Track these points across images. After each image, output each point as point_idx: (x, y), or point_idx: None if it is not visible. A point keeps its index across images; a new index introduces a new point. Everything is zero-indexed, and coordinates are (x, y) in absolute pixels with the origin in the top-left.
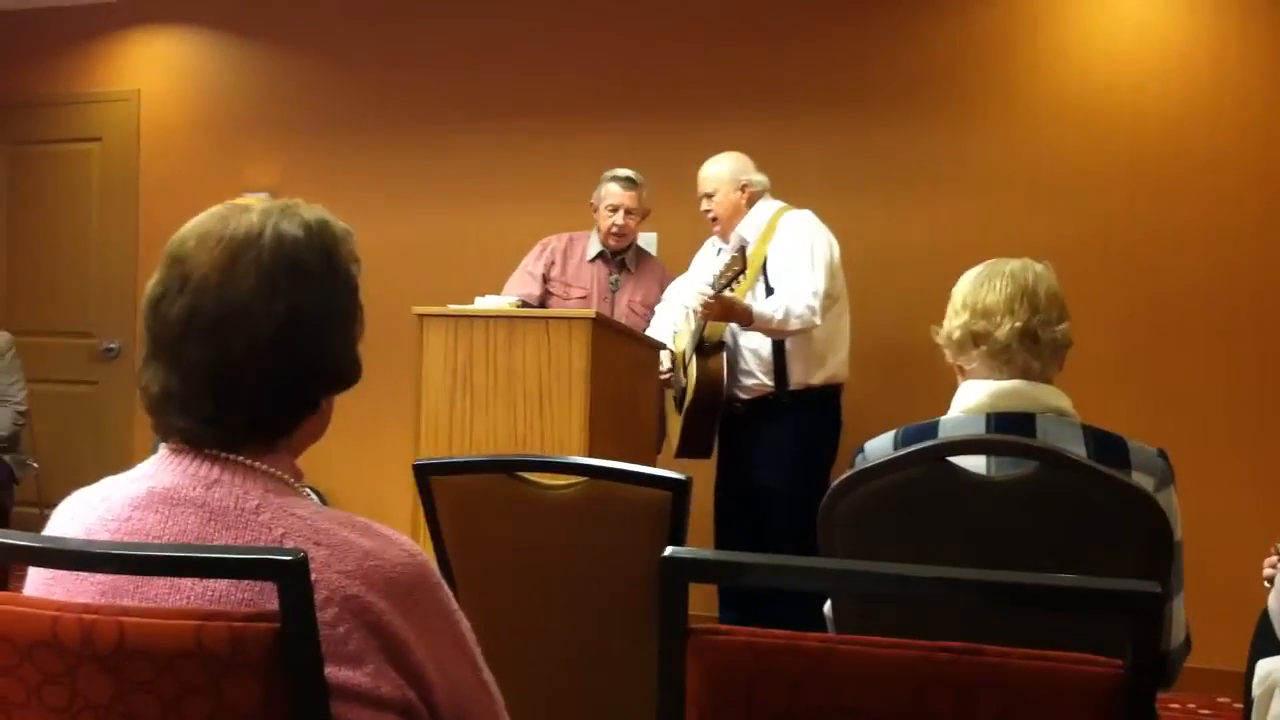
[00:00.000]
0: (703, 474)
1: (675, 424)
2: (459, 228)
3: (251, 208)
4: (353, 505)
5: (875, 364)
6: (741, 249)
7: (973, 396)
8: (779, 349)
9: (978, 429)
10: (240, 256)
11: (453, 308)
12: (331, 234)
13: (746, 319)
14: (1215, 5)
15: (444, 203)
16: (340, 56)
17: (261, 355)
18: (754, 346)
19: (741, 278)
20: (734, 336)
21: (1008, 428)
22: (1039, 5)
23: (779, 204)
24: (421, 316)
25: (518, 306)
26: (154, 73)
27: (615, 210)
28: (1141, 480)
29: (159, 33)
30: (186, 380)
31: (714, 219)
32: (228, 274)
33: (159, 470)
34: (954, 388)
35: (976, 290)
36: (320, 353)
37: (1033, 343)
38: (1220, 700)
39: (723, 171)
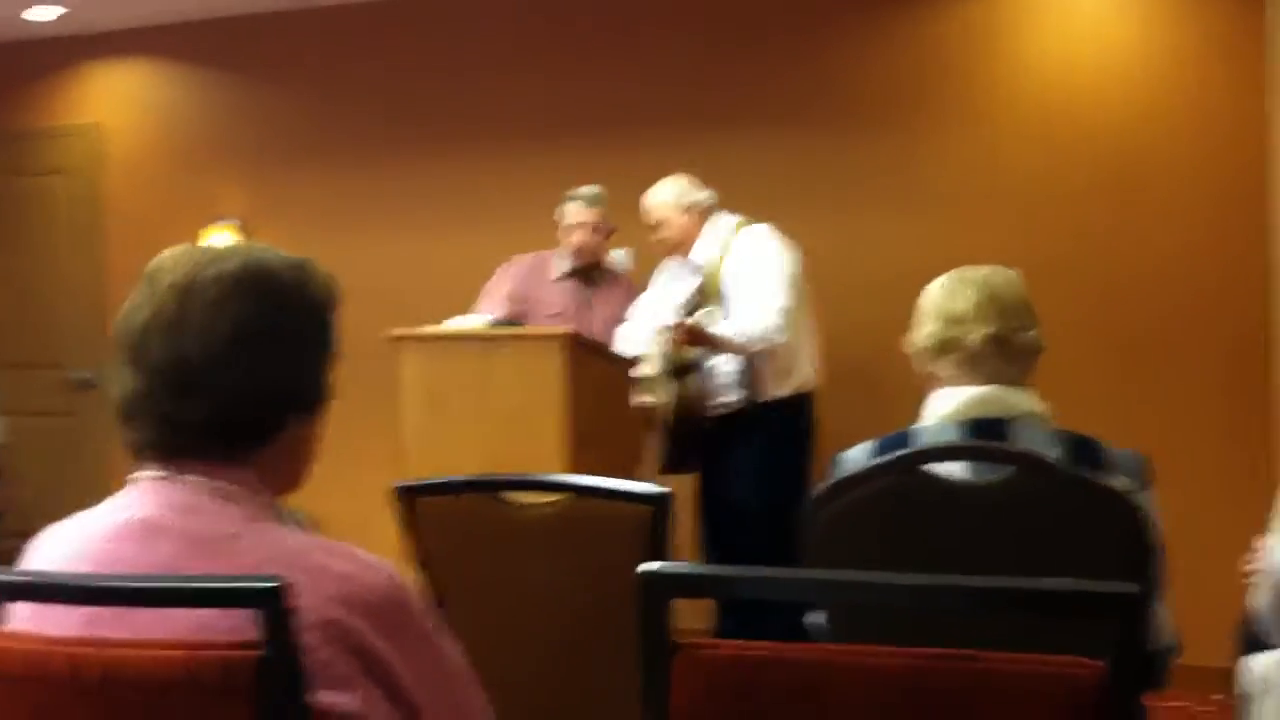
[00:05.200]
0: (682, 487)
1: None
2: (428, 251)
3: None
4: (339, 529)
5: (845, 377)
6: (702, 277)
7: (946, 404)
8: (747, 364)
9: (952, 436)
10: (207, 268)
11: (427, 329)
12: (309, 268)
13: (712, 344)
14: (1171, 15)
15: (413, 226)
16: (303, 85)
17: (216, 356)
18: (722, 363)
19: (705, 305)
20: (703, 354)
21: (982, 433)
22: (997, 19)
23: (735, 219)
24: (397, 339)
25: (492, 326)
26: (114, 105)
27: (576, 229)
28: (1119, 482)
29: (118, 65)
30: (148, 378)
31: (670, 247)
32: (192, 281)
33: (136, 500)
34: (924, 399)
35: (945, 298)
36: (278, 367)
37: (1003, 348)
38: (1215, 697)
39: (665, 198)
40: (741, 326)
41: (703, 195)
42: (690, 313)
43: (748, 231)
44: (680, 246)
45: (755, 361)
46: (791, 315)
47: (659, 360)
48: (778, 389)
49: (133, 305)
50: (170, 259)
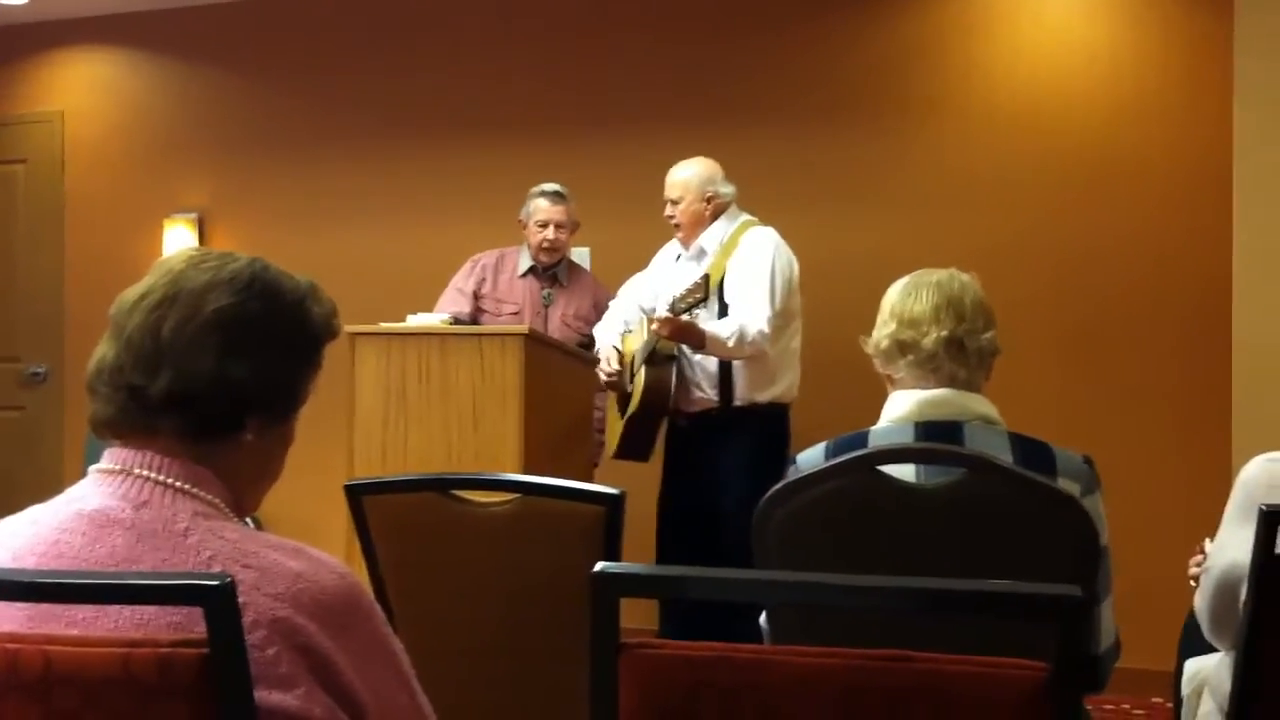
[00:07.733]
0: (639, 487)
1: (616, 425)
2: (389, 246)
3: None
4: (287, 527)
5: (814, 375)
6: (706, 277)
7: (901, 406)
8: (725, 365)
9: (906, 438)
10: (209, 262)
11: (385, 326)
12: (314, 291)
13: (700, 344)
14: (1137, 14)
15: (374, 221)
16: (267, 75)
17: (189, 335)
18: (702, 361)
19: (703, 305)
20: (684, 349)
21: (935, 436)
22: (969, 17)
23: (745, 217)
24: (353, 335)
25: (450, 324)
26: (78, 94)
27: (545, 225)
28: (1068, 486)
29: (82, 53)
30: (121, 350)
31: (676, 225)
32: (190, 269)
33: (88, 492)
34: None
35: (903, 300)
36: (248, 362)
37: (959, 351)
38: (1154, 700)
39: (690, 179)
40: (731, 329)
41: (726, 189)
42: (687, 306)
43: (754, 234)
44: (685, 230)
45: (735, 363)
46: (782, 323)
47: (639, 345)
48: (755, 395)
49: (133, 286)
50: (182, 251)
